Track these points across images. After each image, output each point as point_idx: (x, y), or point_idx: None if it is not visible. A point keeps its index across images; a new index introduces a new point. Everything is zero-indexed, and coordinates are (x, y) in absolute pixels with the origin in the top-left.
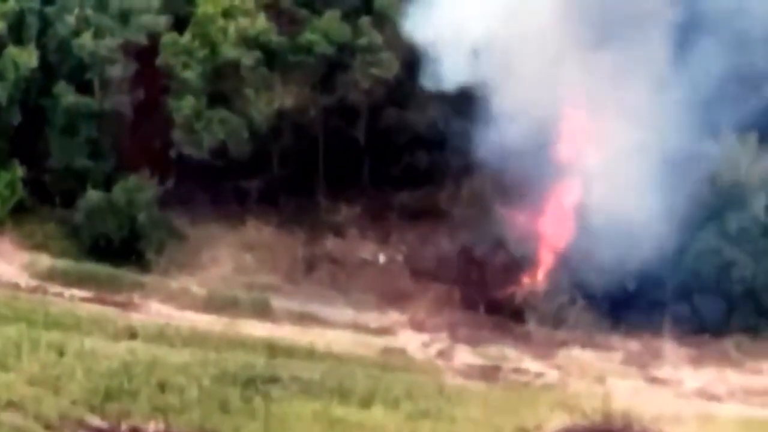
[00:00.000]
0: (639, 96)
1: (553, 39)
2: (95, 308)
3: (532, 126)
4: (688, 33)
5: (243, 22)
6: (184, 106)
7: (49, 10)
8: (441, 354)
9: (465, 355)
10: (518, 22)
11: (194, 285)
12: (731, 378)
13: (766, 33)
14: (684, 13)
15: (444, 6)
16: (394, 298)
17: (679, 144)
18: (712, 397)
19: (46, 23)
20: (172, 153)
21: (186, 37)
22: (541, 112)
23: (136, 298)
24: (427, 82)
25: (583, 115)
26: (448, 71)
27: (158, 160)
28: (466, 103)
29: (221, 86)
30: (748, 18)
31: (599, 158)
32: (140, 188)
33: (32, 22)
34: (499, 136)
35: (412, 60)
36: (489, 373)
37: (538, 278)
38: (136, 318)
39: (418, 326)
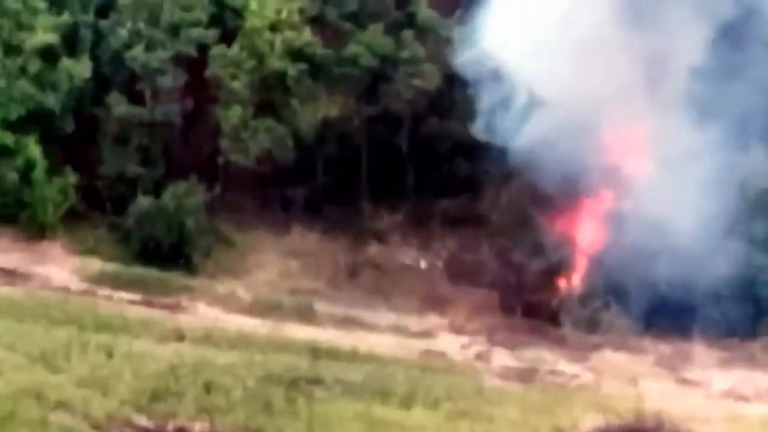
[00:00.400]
0: (672, 110)
1: (595, 59)
2: (143, 311)
3: (571, 138)
4: (724, 46)
5: (289, 35)
6: (232, 115)
7: (103, 23)
8: (480, 356)
9: (503, 358)
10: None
11: (240, 289)
12: (759, 379)
13: None
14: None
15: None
16: (435, 303)
17: (711, 155)
18: (740, 398)
19: (99, 36)
20: (220, 160)
21: (234, 50)
22: (579, 125)
23: (184, 301)
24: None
25: (620, 128)
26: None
27: (206, 168)
28: None
29: (268, 96)
30: None
31: (634, 169)
32: (189, 194)
33: (86, 35)
34: (537, 147)
35: (452, 71)
36: (526, 375)
37: (573, 283)
38: (183, 320)
39: (457, 329)
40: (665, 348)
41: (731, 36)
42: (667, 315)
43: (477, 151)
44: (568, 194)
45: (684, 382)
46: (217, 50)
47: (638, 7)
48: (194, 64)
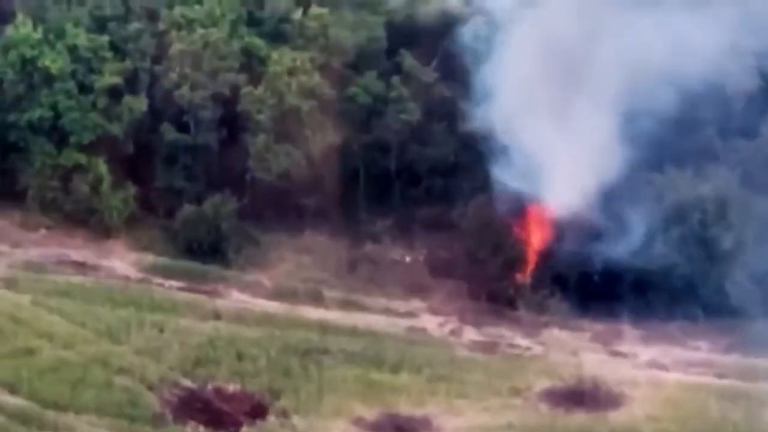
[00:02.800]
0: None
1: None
2: (188, 295)
3: (523, 160)
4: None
5: (303, 78)
6: (258, 141)
7: (157, 68)
8: (453, 332)
9: (471, 334)
10: None
11: (264, 278)
12: (674, 353)
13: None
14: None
15: None
16: (417, 290)
17: (631, 173)
18: (661, 367)
19: (154, 78)
20: (248, 177)
21: (260, 90)
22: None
23: (220, 288)
24: None
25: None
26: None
27: (237, 182)
28: (472, 140)
29: (286, 127)
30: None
31: (574, 189)
32: (224, 204)
33: (143, 78)
34: (497, 167)
35: (431, 107)
36: (489, 347)
37: (526, 275)
38: (219, 303)
39: (435, 311)
40: (599, 327)
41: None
42: (601, 301)
43: (449, 171)
44: (522, 205)
45: (615, 354)
46: (246, 90)
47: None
48: (228, 101)
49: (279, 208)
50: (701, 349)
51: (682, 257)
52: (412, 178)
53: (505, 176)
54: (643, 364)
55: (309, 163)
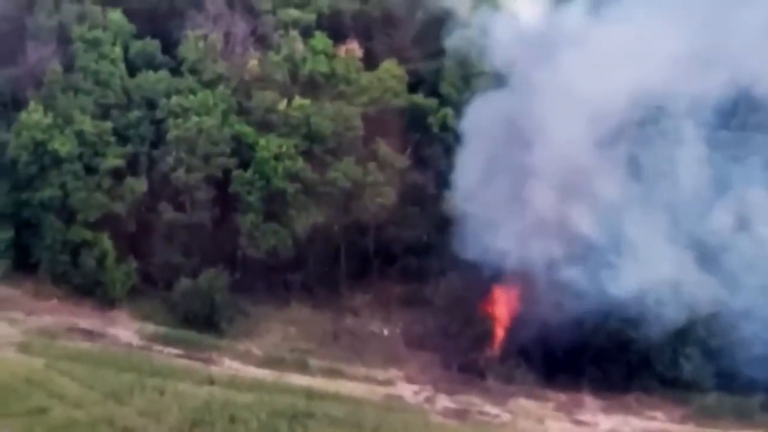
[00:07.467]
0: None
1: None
2: (185, 362)
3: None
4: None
5: (288, 163)
6: (248, 220)
7: (155, 152)
8: (427, 400)
9: (444, 401)
10: None
11: (254, 347)
12: (633, 422)
13: None
14: None
15: None
16: (394, 360)
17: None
18: None
19: (153, 161)
20: (239, 253)
21: (249, 173)
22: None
23: (214, 355)
24: None
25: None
26: None
27: (230, 258)
28: (444, 222)
29: (273, 207)
30: None
31: (536, 263)
32: (217, 278)
33: (143, 161)
34: (467, 246)
35: (405, 191)
36: (461, 414)
37: (494, 348)
38: (213, 369)
39: (410, 380)
40: (562, 397)
41: None
42: (563, 372)
43: (423, 251)
44: (489, 283)
45: (577, 422)
46: (236, 173)
47: None
48: (220, 183)
49: (267, 283)
50: (657, 419)
51: (638, 333)
52: (388, 257)
53: (473, 255)
54: None
55: (294, 241)
